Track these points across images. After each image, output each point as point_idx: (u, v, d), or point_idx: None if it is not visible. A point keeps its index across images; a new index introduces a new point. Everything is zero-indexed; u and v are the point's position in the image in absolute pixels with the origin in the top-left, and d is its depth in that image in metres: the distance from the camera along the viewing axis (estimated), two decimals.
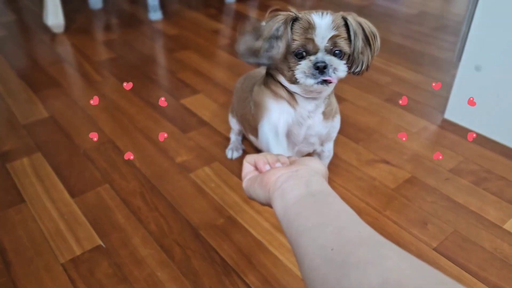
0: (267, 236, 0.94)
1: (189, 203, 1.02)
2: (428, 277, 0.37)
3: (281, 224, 0.49)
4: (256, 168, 0.60)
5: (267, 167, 0.57)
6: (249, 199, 0.60)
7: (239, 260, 0.88)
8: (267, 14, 0.77)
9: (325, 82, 0.75)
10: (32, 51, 1.78)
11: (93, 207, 1.01)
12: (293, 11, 0.76)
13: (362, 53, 0.77)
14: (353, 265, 0.39)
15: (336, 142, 1.12)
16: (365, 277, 0.37)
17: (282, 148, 0.84)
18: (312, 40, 0.73)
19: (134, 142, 1.23)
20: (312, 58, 0.74)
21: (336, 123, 0.91)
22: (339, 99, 1.23)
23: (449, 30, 2.01)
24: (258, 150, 1.12)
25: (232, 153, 1.18)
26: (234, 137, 1.20)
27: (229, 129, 1.29)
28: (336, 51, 0.75)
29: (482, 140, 1.24)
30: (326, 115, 0.87)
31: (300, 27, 0.74)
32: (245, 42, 0.78)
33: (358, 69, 0.78)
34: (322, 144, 0.94)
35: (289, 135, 0.87)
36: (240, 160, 1.16)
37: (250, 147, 1.21)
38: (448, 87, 1.38)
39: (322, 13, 0.74)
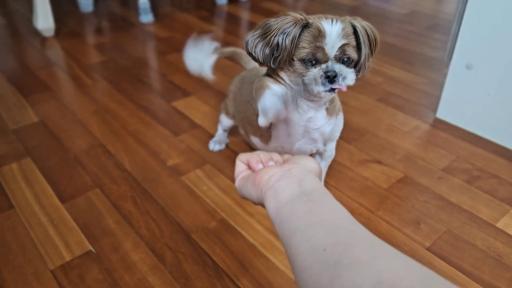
0: (259, 239, 0.93)
1: (180, 207, 1.01)
2: (421, 277, 0.37)
3: (274, 224, 0.49)
4: (249, 167, 0.59)
5: (260, 165, 0.57)
6: (242, 198, 0.59)
7: (231, 264, 0.87)
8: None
9: (333, 89, 0.75)
10: (22, 55, 1.76)
11: (83, 212, 1.00)
12: (304, 16, 0.74)
13: (367, 60, 0.77)
14: (346, 265, 0.38)
15: None
16: (358, 277, 0.37)
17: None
18: (322, 49, 0.72)
19: (125, 145, 1.22)
20: (323, 66, 0.73)
21: (340, 121, 0.90)
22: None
23: (441, 29, 2.02)
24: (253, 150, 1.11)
25: (214, 145, 1.19)
26: (220, 130, 1.20)
27: None
28: (345, 59, 0.75)
29: (474, 139, 1.24)
30: (330, 111, 0.85)
31: (310, 35, 0.72)
32: (253, 37, 0.76)
33: (361, 75, 0.79)
34: (325, 143, 0.92)
35: (288, 124, 0.84)
36: (232, 162, 1.15)
37: (235, 143, 1.21)
38: (439, 86, 1.38)
39: (332, 20, 0.72)
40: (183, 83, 1.55)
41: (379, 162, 1.15)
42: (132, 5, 2.29)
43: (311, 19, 0.73)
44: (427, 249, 0.91)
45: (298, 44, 0.73)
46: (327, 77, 0.73)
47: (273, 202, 0.49)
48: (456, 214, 0.99)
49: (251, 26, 2.11)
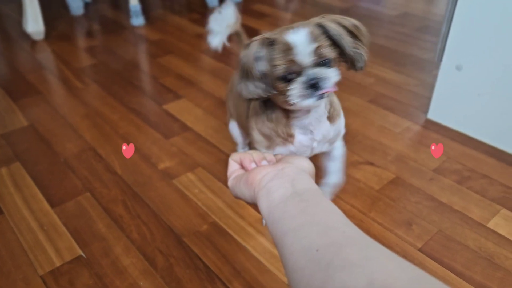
0: (251, 242, 0.93)
1: (172, 210, 1.01)
2: (414, 278, 0.37)
3: (267, 224, 0.48)
4: (242, 166, 0.59)
5: (253, 165, 0.56)
6: (235, 198, 0.58)
7: (223, 267, 0.87)
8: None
9: (322, 96, 0.72)
10: (12, 59, 1.75)
11: (73, 216, 0.99)
12: (267, 35, 0.71)
13: (356, 48, 0.73)
14: (338, 266, 0.38)
15: None
16: (351, 278, 0.37)
17: None
18: (294, 61, 0.69)
19: (116, 149, 1.21)
20: (302, 78, 0.70)
21: (342, 119, 0.88)
22: None
23: (431, 31, 2.03)
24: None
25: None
26: (239, 148, 1.15)
27: (212, 134, 1.28)
28: (323, 61, 0.72)
29: (465, 139, 1.24)
30: (332, 118, 0.84)
31: (279, 51, 0.69)
32: (240, 82, 0.74)
33: (360, 64, 0.75)
34: (331, 144, 0.90)
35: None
36: (223, 165, 1.15)
37: (226, 145, 1.20)
38: (430, 87, 1.38)
39: (295, 29, 0.69)
40: (175, 86, 1.54)
41: (371, 164, 1.16)
42: (123, 8, 2.28)
43: (275, 34, 0.71)
44: (419, 250, 0.91)
45: (272, 64, 0.70)
46: (311, 86, 0.70)
47: (265, 202, 0.49)
48: (447, 214, 1.00)
49: (243, 28, 2.10)
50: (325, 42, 0.71)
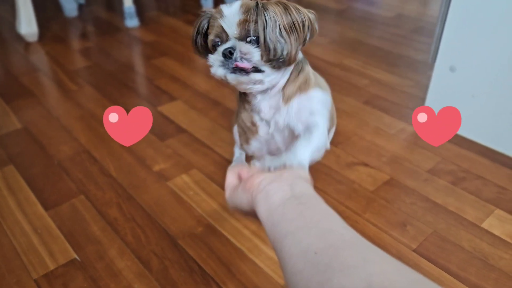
0: (246, 244, 0.92)
1: (167, 212, 1.00)
2: (412, 281, 0.37)
3: (265, 227, 0.48)
4: (240, 178, 0.59)
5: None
6: (231, 209, 0.58)
7: (218, 269, 0.87)
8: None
9: (241, 71, 0.70)
10: (5, 61, 1.74)
11: (67, 219, 0.98)
12: (211, 11, 0.75)
13: (279, 41, 0.68)
14: (336, 269, 0.38)
15: None
16: (349, 281, 0.37)
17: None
18: (222, 28, 0.71)
19: (110, 151, 1.20)
20: (221, 47, 0.71)
21: (312, 94, 0.78)
22: None
23: (426, 32, 2.04)
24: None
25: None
26: (237, 153, 1.09)
27: (207, 135, 1.27)
28: (251, 38, 0.70)
29: (459, 140, 1.25)
30: (288, 97, 0.77)
31: (215, 20, 0.72)
32: (192, 39, 0.79)
33: (279, 60, 0.70)
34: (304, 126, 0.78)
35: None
36: (218, 166, 1.15)
37: (221, 147, 1.20)
38: (425, 88, 1.39)
39: (233, 1, 0.72)
40: (169, 87, 1.54)
41: (366, 165, 1.16)
42: (117, 10, 2.27)
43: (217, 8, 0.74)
44: (414, 251, 0.91)
45: (208, 31, 0.75)
46: (224, 55, 0.70)
47: (264, 205, 0.49)
48: (442, 215, 1.00)
49: None
50: (253, 18, 0.69)
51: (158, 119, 1.35)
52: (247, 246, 0.92)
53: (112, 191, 1.06)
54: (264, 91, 0.77)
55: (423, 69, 1.67)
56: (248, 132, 0.85)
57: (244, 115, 0.85)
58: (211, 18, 0.74)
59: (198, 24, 0.76)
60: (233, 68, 0.70)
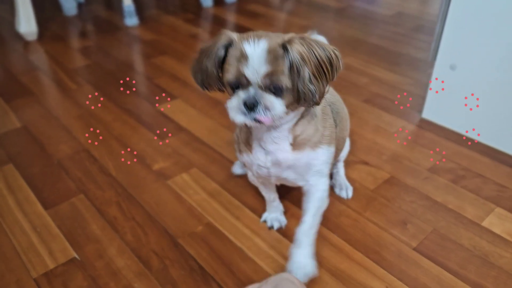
0: (246, 243, 0.92)
1: (166, 211, 1.00)
2: None
3: None
4: None
5: None
6: None
7: (218, 268, 0.87)
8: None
9: (258, 120, 0.67)
10: (4, 60, 1.73)
11: (67, 218, 0.98)
12: (232, 35, 0.68)
13: (311, 82, 0.65)
14: None
15: None
16: None
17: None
18: (244, 74, 0.65)
19: (109, 150, 1.20)
20: (242, 94, 0.66)
21: (320, 154, 0.78)
22: None
23: (425, 30, 2.03)
24: None
25: (237, 168, 1.10)
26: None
27: (207, 134, 1.27)
28: (274, 87, 0.66)
29: (459, 138, 1.25)
30: (298, 146, 0.76)
31: (234, 56, 0.66)
32: (192, 64, 0.73)
33: (310, 103, 0.67)
34: (304, 179, 0.81)
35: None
36: (219, 165, 1.15)
37: (220, 146, 1.20)
38: (425, 86, 1.39)
39: (256, 41, 0.64)
40: (169, 86, 1.54)
41: (366, 163, 1.16)
42: (117, 8, 2.27)
43: (239, 37, 0.67)
44: (414, 249, 0.91)
45: (225, 66, 0.67)
46: (246, 105, 0.66)
47: None
48: (442, 213, 1.00)
49: (237, 28, 2.10)
50: (281, 68, 0.64)
51: (158, 118, 1.35)
52: (247, 245, 0.92)
53: (111, 190, 1.06)
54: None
55: (423, 67, 1.67)
56: (241, 145, 0.81)
57: (242, 130, 0.80)
58: (230, 48, 0.67)
59: (213, 50, 0.68)
60: (255, 119, 0.67)
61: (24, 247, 0.91)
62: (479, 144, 1.22)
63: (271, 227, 0.96)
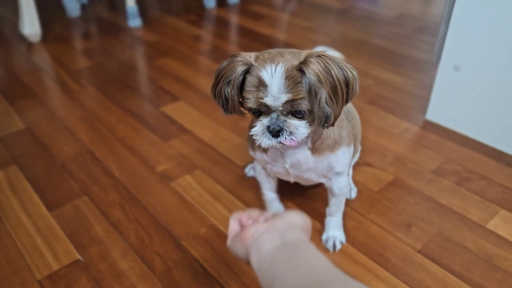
0: None
1: (170, 213, 1.00)
2: None
3: (257, 277, 0.52)
4: (241, 225, 0.61)
5: (250, 222, 0.59)
6: (235, 257, 0.61)
7: (221, 270, 0.86)
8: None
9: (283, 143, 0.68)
10: (8, 61, 1.74)
11: (71, 220, 0.98)
12: (249, 59, 0.66)
13: (327, 105, 0.64)
14: None
15: None
16: None
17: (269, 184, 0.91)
18: (264, 103, 0.65)
19: (113, 152, 1.20)
20: (265, 120, 0.67)
21: (340, 156, 0.79)
22: None
23: (429, 31, 2.03)
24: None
25: (249, 169, 1.08)
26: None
27: (210, 136, 1.27)
28: (296, 111, 0.66)
29: (464, 140, 1.24)
30: (318, 151, 0.76)
31: (253, 84, 0.65)
32: (212, 87, 0.72)
33: (322, 124, 0.67)
34: (325, 177, 0.84)
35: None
36: (222, 167, 1.15)
37: (226, 149, 1.20)
38: (429, 88, 1.38)
39: (273, 66, 0.63)
40: (172, 88, 1.54)
41: (370, 165, 1.15)
42: (120, 10, 2.27)
43: (257, 61, 0.65)
44: (418, 251, 0.91)
45: (244, 91, 0.67)
46: (271, 132, 0.67)
47: (255, 256, 0.52)
48: (446, 216, 0.99)
49: (240, 29, 2.10)
50: (301, 94, 0.64)
51: (161, 120, 1.35)
52: None
53: (115, 192, 1.06)
54: None
55: (427, 68, 1.66)
56: (255, 145, 0.78)
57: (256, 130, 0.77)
58: (248, 73, 0.66)
59: (231, 76, 0.67)
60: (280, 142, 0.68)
61: (28, 248, 0.91)
62: (483, 145, 1.22)
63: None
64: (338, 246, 0.91)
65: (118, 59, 1.76)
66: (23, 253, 0.90)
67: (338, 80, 0.64)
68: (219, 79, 0.69)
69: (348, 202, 1.03)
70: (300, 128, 0.67)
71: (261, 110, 0.68)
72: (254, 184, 1.05)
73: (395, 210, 1.01)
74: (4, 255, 0.89)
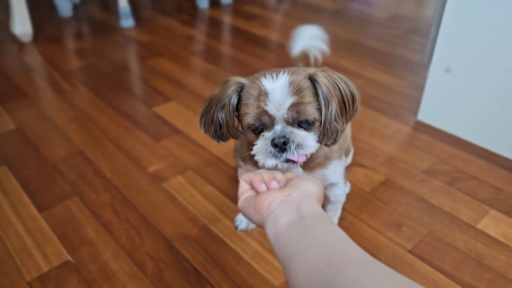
0: (241, 245, 0.92)
1: (162, 214, 1.00)
2: None
3: (274, 249, 0.50)
4: (252, 186, 0.59)
5: (263, 186, 0.57)
6: (246, 218, 0.59)
7: (213, 271, 0.86)
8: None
9: (291, 160, 0.61)
10: None
11: (61, 221, 0.97)
12: (242, 80, 0.62)
13: (336, 120, 0.60)
14: (339, 285, 0.40)
15: None
16: None
17: None
18: (266, 111, 0.59)
19: (105, 152, 1.20)
20: (268, 134, 0.61)
21: (331, 170, 0.75)
22: None
23: (421, 33, 2.04)
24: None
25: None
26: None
27: (203, 136, 1.27)
28: (302, 121, 0.61)
29: (454, 141, 1.25)
30: (308, 168, 0.73)
31: (251, 96, 0.60)
32: (201, 115, 0.69)
33: (330, 141, 0.63)
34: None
35: None
36: (214, 168, 1.14)
37: (217, 148, 1.19)
38: (420, 88, 1.39)
39: (276, 74, 0.59)
40: (164, 88, 1.53)
41: (362, 166, 1.16)
42: (113, 10, 2.26)
43: (251, 79, 0.62)
44: (409, 251, 0.91)
45: (240, 111, 0.62)
46: (277, 145, 0.60)
47: (272, 229, 0.51)
48: (437, 216, 1.00)
49: (233, 30, 2.10)
50: (308, 98, 0.59)
51: (153, 120, 1.35)
52: (242, 248, 0.91)
53: (106, 192, 1.06)
54: None
55: (418, 69, 1.67)
56: (245, 157, 0.74)
57: (244, 144, 0.74)
58: (243, 92, 0.62)
59: (222, 99, 0.62)
60: (287, 159, 0.61)
61: (17, 250, 0.90)
62: (474, 146, 1.23)
63: (236, 227, 0.95)
64: None
65: (111, 59, 1.75)
66: (12, 254, 0.89)
67: (346, 95, 0.62)
68: (211, 105, 0.66)
69: None
70: (308, 139, 0.61)
71: (263, 123, 0.61)
72: None
73: (387, 210, 1.02)
74: None
